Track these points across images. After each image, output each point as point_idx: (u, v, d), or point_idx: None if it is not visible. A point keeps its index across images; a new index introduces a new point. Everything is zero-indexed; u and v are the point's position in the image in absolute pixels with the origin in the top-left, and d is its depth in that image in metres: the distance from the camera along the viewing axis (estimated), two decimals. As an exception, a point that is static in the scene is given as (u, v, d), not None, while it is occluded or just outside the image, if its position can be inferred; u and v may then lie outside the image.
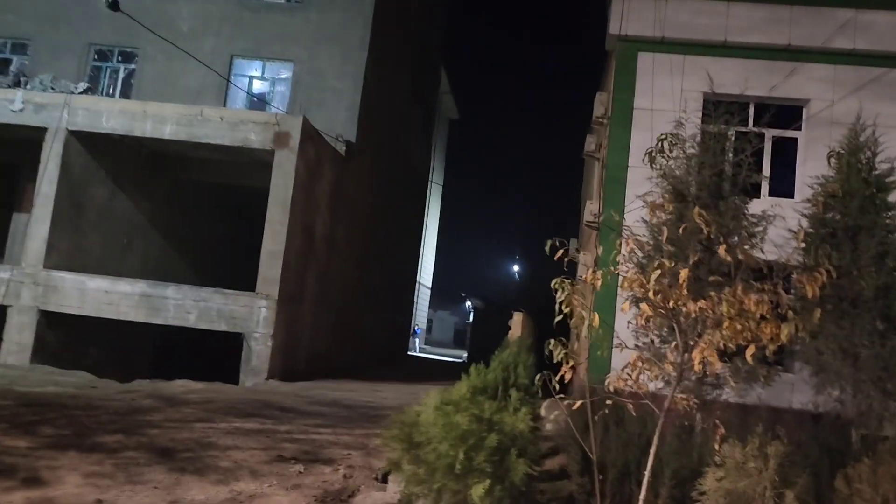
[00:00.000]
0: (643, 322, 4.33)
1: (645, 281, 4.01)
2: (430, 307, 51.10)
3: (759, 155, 11.40)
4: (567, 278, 4.26)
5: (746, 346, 3.88)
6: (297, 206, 14.61)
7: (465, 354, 38.23)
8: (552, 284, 4.29)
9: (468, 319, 47.83)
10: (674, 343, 4.26)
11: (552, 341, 4.27)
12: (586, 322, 4.28)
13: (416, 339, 41.78)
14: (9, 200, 18.86)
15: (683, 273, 3.75)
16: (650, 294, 4.02)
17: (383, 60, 20.21)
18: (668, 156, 6.69)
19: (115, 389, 10.67)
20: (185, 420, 7.96)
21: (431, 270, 45.67)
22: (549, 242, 4.55)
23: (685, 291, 3.84)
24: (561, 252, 4.52)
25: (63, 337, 14.89)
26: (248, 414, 8.91)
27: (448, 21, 31.95)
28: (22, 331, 14.31)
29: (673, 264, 4.03)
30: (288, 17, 18.88)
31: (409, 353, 34.66)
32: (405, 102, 24.63)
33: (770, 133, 12.32)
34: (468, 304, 50.81)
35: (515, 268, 53.26)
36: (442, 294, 54.84)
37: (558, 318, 4.27)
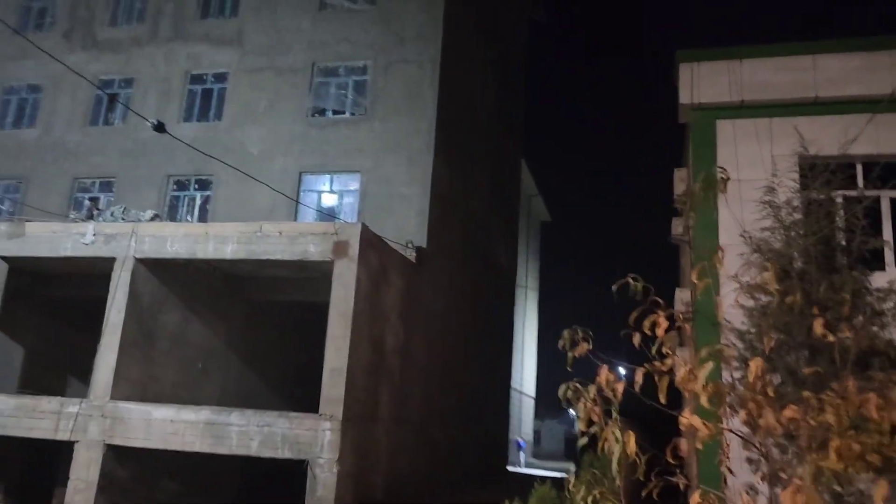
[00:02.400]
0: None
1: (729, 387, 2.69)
2: (535, 417, 48.53)
3: (875, 219, 9.69)
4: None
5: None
6: (361, 318, 13.72)
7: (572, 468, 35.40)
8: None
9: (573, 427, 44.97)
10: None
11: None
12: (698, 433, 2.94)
13: (522, 453, 39.25)
14: (96, 334, 19.11)
15: (755, 365, 2.38)
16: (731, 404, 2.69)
17: (454, 163, 19.71)
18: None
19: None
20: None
21: (534, 378, 43.64)
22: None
23: (763, 393, 2.44)
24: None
25: (134, 471, 14.25)
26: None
27: (526, 119, 31.67)
28: (89, 468, 13.77)
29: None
30: (353, 129, 18.84)
31: (510, 468, 32.34)
32: (484, 205, 23.95)
33: (888, 194, 10.56)
34: (570, 411, 47.94)
35: (622, 370, 50.23)
36: (548, 402, 52.22)
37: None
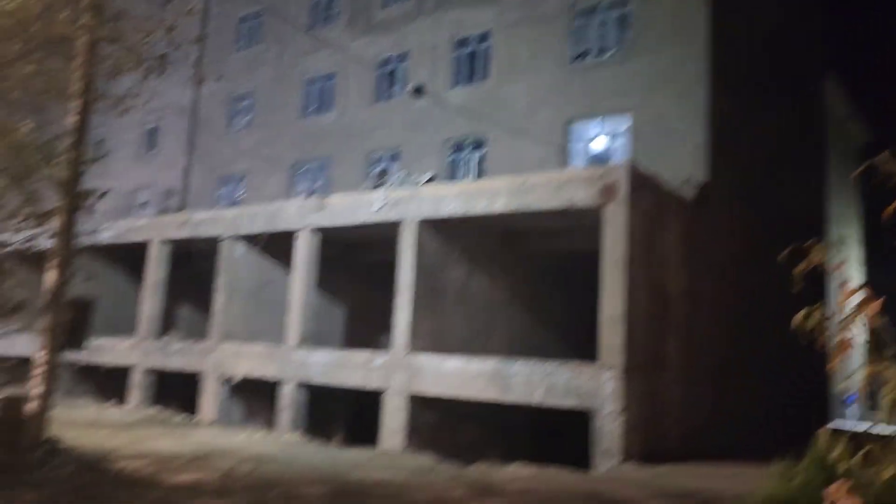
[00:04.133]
0: None
1: None
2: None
3: None
4: None
5: None
6: (636, 264, 13.06)
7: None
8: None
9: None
10: None
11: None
12: None
13: (851, 409, 34.86)
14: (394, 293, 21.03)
15: None
16: None
17: (734, 91, 17.75)
18: None
19: (446, 476, 10.30)
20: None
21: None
22: None
23: None
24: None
25: (437, 418, 15.42)
26: (560, 510, 7.58)
27: (835, 28, 27.32)
28: (396, 414, 15.19)
29: None
30: (617, 68, 17.89)
31: (835, 426, 28.89)
32: (776, 134, 21.29)
33: None
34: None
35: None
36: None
37: None
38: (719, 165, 16.64)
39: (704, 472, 12.13)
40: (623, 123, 17.79)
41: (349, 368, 16.29)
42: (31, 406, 9.04)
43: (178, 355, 20.00)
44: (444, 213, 15.56)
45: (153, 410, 18.22)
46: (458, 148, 20.92)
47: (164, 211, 26.01)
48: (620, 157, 17.49)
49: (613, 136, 18.12)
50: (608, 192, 13.14)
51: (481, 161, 20.27)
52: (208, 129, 27.33)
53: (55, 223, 8.95)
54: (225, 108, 27.04)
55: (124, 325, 21.80)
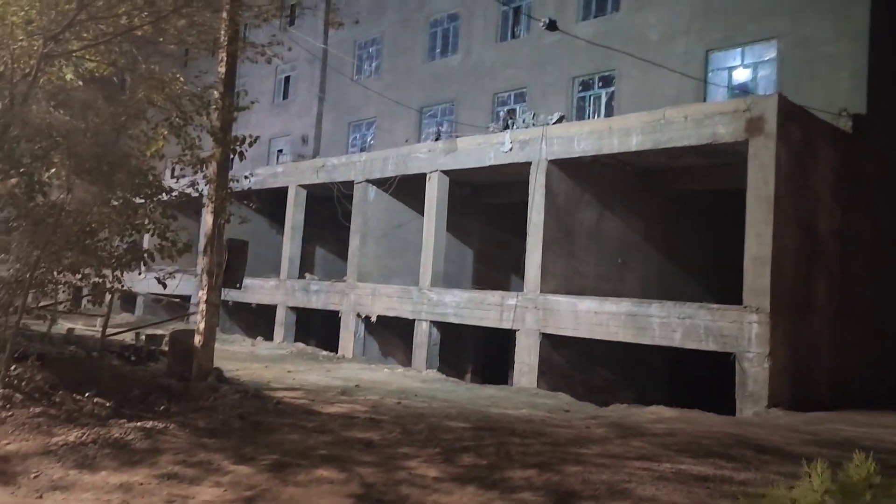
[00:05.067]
0: None
1: None
2: None
3: None
4: None
5: None
6: (784, 201, 12.28)
7: None
8: None
9: None
10: None
11: None
12: None
13: None
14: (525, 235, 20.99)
15: None
16: None
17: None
18: None
19: (584, 415, 10.33)
20: (622, 457, 6.99)
21: None
22: None
23: None
24: None
25: (570, 359, 15.45)
26: (707, 453, 7.43)
27: None
28: (529, 354, 15.33)
29: None
30: (764, -11, 16.55)
31: None
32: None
33: None
34: None
35: None
36: None
37: None
38: (880, 94, 15.18)
39: (858, 419, 11.49)
40: (768, 51, 16.55)
41: (482, 308, 16.52)
42: (198, 340, 9.83)
43: (317, 295, 21.04)
44: (575, 152, 15.21)
45: (297, 346, 19.33)
46: (587, 86, 20.27)
47: (298, 158, 27.05)
48: (765, 87, 16.35)
49: (757, 65, 16.92)
50: (754, 125, 12.34)
51: (611, 99, 19.57)
52: (338, 76, 27.92)
53: (211, 169, 9.51)
54: (353, 55, 27.47)
55: (267, 267, 23.10)
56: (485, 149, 17.06)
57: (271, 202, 23.58)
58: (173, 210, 9.24)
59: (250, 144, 8.95)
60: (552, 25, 14.89)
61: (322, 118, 28.77)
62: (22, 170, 7.44)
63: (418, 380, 14.27)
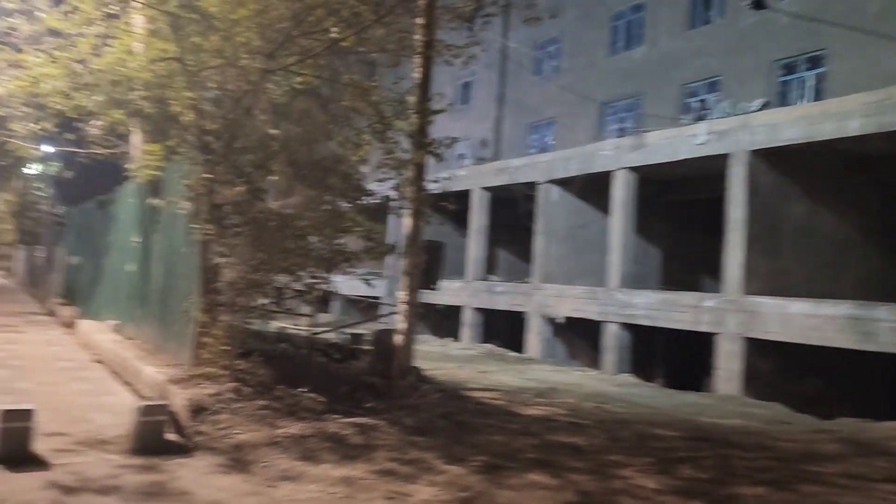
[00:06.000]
0: None
1: None
2: None
3: None
4: None
5: None
6: None
7: None
8: None
9: None
10: None
11: None
12: None
13: None
14: (719, 232, 19.67)
15: None
16: None
17: None
18: None
19: (805, 427, 9.37)
20: (868, 478, 6.19)
21: None
22: None
23: None
24: None
25: (777, 365, 14.22)
26: (972, 478, 6.40)
27: None
28: (731, 359, 14.29)
29: None
30: None
31: None
32: None
33: None
34: None
35: None
36: None
37: None
38: None
39: None
40: None
41: (675, 310, 15.67)
42: (398, 339, 10.08)
43: (502, 296, 21.09)
44: (781, 140, 13.99)
45: (486, 347, 19.47)
46: (790, 69, 18.62)
47: (479, 161, 27.34)
48: None
49: None
50: None
51: (819, 81, 17.82)
52: (516, 78, 27.93)
53: (409, 172, 9.72)
54: (531, 56, 27.31)
55: (451, 269, 23.54)
56: (676, 142, 16.19)
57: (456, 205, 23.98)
58: (375, 213, 9.57)
59: (448, 146, 9.03)
60: (759, 3, 13.76)
61: (501, 121, 28.90)
62: (245, 178, 7.99)
63: (612, 383, 13.77)
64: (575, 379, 13.89)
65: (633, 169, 17.43)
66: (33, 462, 5.44)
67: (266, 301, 9.65)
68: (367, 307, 22.02)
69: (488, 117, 29.21)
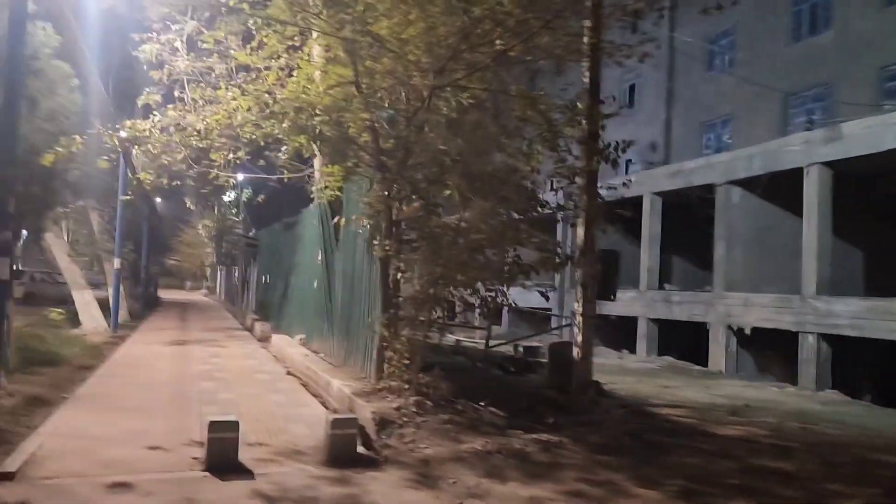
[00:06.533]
0: None
1: None
2: None
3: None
4: None
5: None
6: None
7: None
8: None
9: None
10: None
11: None
12: None
13: None
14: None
15: None
16: None
17: None
18: None
19: None
20: None
21: None
22: None
23: None
24: None
25: None
26: None
27: None
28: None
29: None
30: None
31: None
32: None
33: None
34: None
35: None
36: None
37: None
38: None
39: None
40: None
41: (887, 318, 13.99)
42: (576, 352, 9.76)
43: (679, 306, 20.01)
44: None
45: (666, 359, 18.54)
46: None
47: (648, 166, 26.27)
48: None
49: None
50: None
51: None
52: (687, 75, 26.59)
53: (582, 180, 9.41)
54: (702, 52, 25.87)
55: (622, 278, 22.70)
56: (879, 131, 14.55)
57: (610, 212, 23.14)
58: (544, 224, 9.36)
59: (623, 150, 8.64)
60: None
61: (671, 122, 27.61)
62: (420, 194, 8.10)
63: (815, 401, 12.50)
64: (770, 395, 12.76)
65: (828, 164, 15.87)
66: (239, 471, 5.75)
67: (442, 314, 9.74)
68: (537, 319, 21.80)
69: (657, 119, 28.01)
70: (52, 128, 9.09)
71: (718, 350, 18.10)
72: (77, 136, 9.28)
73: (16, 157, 7.83)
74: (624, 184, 10.19)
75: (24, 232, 15.98)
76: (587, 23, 9.48)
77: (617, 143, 8.95)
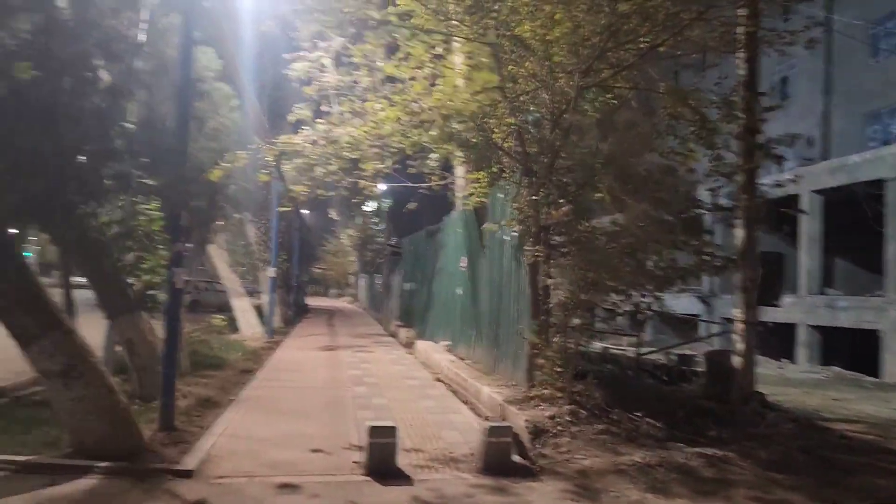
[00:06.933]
0: None
1: None
2: None
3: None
4: None
5: None
6: None
7: None
8: None
9: None
10: None
11: None
12: None
13: None
14: None
15: None
16: None
17: None
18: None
19: None
20: None
21: None
22: None
23: None
24: None
25: None
26: None
27: None
28: None
29: None
30: None
31: None
32: None
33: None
34: None
35: None
36: None
37: None
38: None
39: None
40: None
41: None
42: (737, 361, 9.18)
43: (845, 312, 18.46)
44: None
45: (833, 370, 17.14)
46: None
47: (806, 162, 24.47)
48: None
49: None
50: None
51: None
52: (847, 63, 24.55)
53: (741, 178, 8.86)
54: (864, 37, 23.79)
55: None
56: None
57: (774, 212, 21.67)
58: (696, 225, 8.88)
59: (789, 145, 8.04)
60: None
61: (829, 114, 25.57)
62: (569, 197, 7.92)
63: None
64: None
65: None
66: (398, 476, 5.82)
67: (591, 321, 9.48)
68: (684, 326, 20.82)
69: (813, 112, 26.02)
70: (215, 146, 9.71)
71: (894, 360, 16.49)
72: (241, 153, 9.86)
73: (186, 174, 8.46)
74: (779, 184, 9.48)
75: (191, 244, 17.26)
76: (742, 11, 8.95)
77: (789, 136, 8.36)
